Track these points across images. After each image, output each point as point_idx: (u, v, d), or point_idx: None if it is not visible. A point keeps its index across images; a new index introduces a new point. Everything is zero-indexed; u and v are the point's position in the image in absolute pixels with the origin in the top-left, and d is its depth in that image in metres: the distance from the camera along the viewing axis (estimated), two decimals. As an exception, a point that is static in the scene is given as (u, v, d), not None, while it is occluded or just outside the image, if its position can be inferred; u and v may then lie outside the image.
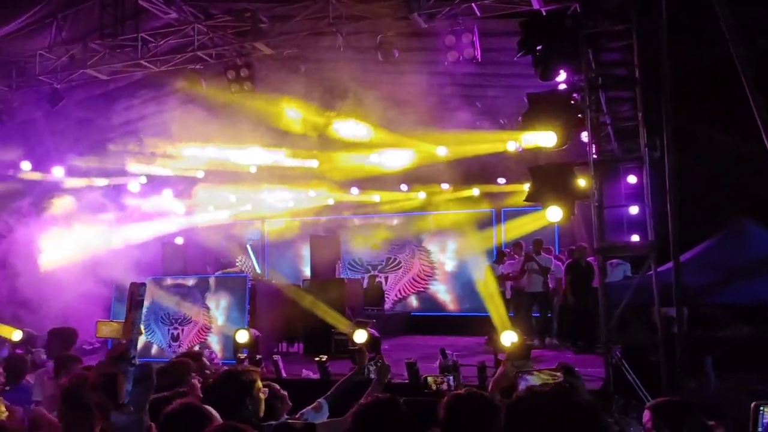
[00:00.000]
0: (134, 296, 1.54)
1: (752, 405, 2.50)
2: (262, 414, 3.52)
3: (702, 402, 6.71)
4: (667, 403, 3.21)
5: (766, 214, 8.46)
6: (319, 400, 4.29)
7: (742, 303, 8.13)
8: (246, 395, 3.41)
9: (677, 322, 6.62)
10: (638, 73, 6.89)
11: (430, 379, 6.08)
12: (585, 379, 7.33)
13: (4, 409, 3.73)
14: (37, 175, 12.71)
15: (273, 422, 3.47)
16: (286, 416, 3.90)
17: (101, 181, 13.73)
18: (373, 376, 4.52)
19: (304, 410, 4.13)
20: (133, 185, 14.28)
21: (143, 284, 1.54)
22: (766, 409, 2.65)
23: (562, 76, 7.34)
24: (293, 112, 11.62)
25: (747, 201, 9.15)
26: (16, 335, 8.50)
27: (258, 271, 13.49)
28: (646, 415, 3.15)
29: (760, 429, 2.62)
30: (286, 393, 4.05)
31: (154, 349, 10.62)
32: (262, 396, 3.54)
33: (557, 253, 12.69)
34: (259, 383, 3.53)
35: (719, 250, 8.54)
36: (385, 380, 4.45)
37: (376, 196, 15.06)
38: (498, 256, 11.92)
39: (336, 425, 3.88)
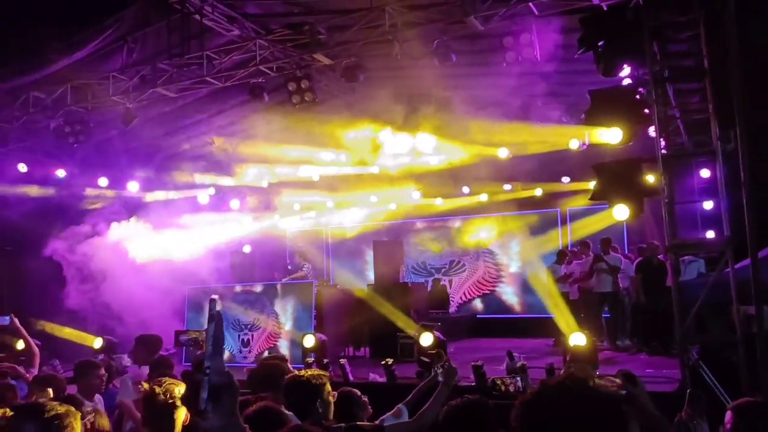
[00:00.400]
0: (209, 311, 1.64)
1: None
2: (331, 416, 3.59)
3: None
4: (748, 405, 3.11)
5: None
6: (399, 405, 4.30)
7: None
8: (316, 398, 3.49)
9: (757, 320, 6.33)
10: (707, 63, 6.64)
11: (498, 381, 6.03)
12: (660, 380, 7.16)
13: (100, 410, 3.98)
14: (112, 192, 13.41)
15: (343, 424, 3.53)
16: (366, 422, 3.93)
17: (173, 194, 14.30)
18: (440, 378, 4.52)
19: (384, 416, 4.13)
20: (203, 197, 14.79)
21: (213, 299, 1.64)
22: None
23: (626, 71, 7.15)
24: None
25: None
26: (97, 343, 8.98)
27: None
28: (728, 415, 3.06)
29: None
30: (366, 399, 4.09)
31: (226, 355, 10.92)
32: (331, 399, 3.61)
33: (626, 251, 12.33)
34: (329, 387, 3.60)
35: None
36: (452, 383, 4.44)
37: (438, 200, 15.03)
38: (558, 256, 11.72)
39: (404, 427, 3.93)
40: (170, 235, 13.22)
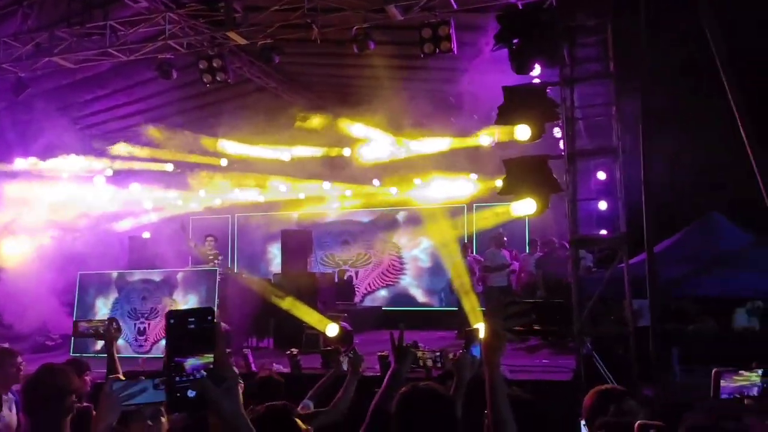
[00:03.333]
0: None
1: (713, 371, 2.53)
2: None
3: (671, 394, 6.88)
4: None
5: (742, 211, 8.63)
6: (303, 401, 4.31)
7: (709, 296, 8.30)
8: None
9: (651, 314, 6.72)
10: (612, 67, 6.98)
11: (418, 353, 6.04)
12: (556, 370, 7.47)
13: None
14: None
15: None
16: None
17: (66, 173, 13.39)
18: (344, 368, 4.52)
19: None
20: (99, 178, 13.97)
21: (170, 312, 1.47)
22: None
23: (537, 70, 7.39)
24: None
25: (721, 199, 9.34)
26: None
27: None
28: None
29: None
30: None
31: (121, 343, 10.39)
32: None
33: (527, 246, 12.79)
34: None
35: (689, 243, 8.71)
36: (359, 371, 4.44)
37: (347, 191, 14.98)
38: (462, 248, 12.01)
39: (328, 414, 3.99)
40: (62, 216, 12.39)
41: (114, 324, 3.86)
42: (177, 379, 1.38)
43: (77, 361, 4.71)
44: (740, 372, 2.37)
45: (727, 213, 8.93)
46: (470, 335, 3.43)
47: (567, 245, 10.16)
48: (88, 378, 4.49)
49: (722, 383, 2.35)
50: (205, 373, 1.38)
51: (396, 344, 3.08)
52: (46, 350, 11.09)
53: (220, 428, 1.40)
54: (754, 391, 2.34)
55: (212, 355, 1.39)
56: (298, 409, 4.17)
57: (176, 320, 1.42)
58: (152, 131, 12.55)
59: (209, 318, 1.42)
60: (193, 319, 1.41)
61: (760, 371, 2.41)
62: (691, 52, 7.10)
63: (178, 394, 1.38)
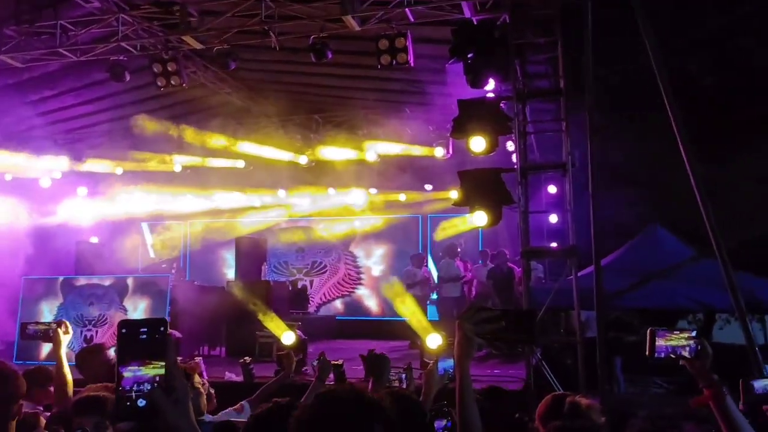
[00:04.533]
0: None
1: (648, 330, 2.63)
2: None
3: (616, 402, 7.07)
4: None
5: (683, 225, 8.94)
6: (242, 402, 4.26)
7: (651, 307, 8.56)
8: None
9: (598, 324, 6.90)
10: (563, 84, 7.18)
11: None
12: (507, 380, 7.60)
13: None
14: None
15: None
16: (208, 415, 3.86)
17: (8, 175, 12.95)
18: (308, 371, 4.51)
19: (226, 410, 4.12)
20: (45, 180, 13.55)
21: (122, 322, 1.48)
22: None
23: (491, 84, 7.55)
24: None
25: (665, 213, 9.68)
26: None
27: None
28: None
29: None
30: (213, 391, 4.02)
31: (65, 351, 10.08)
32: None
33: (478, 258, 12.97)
34: (198, 378, 3.55)
35: (633, 255, 8.95)
36: (326, 377, 4.44)
37: (303, 199, 14.91)
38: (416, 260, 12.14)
39: None
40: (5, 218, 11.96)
41: (63, 327, 3.72)
42: (127, 388, 1.39)
43: (42, 370, 4.50)
44: (674, 332, 2.48)
45: (670, 226, 9.25)
46: (444, 352, 3.52)
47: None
48: (51, 388, 4.27)
49: (657, 342, 2.45)
50: (155, 384, 1.39)
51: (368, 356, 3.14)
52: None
53: None
54: (687, 351, 2.46)
55: (163, 366, 1.40)
56: (232, 408, 4.15)
57: (128, 329, 1.44)
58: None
59: (161, 329, 1.43)
60: (145, 329, 1.43)
61: (693, 332, 2.53)
62: (634, 70, 7.37)
63: (128, 403, 1.39)
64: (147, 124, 11.54)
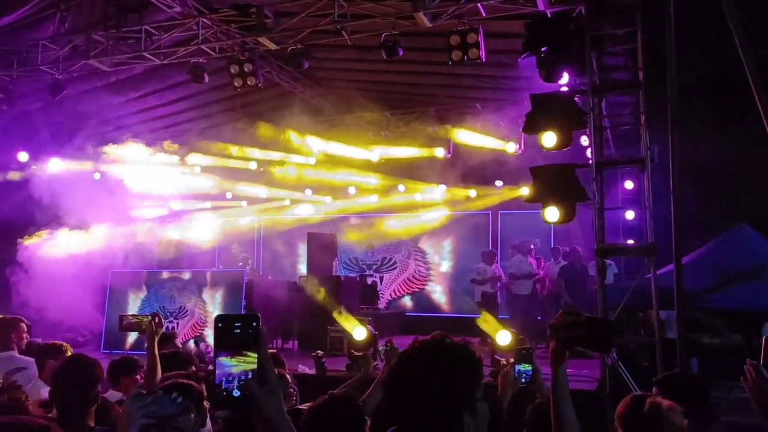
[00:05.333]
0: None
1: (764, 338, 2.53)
2: None
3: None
4: None
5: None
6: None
7: (735, 309, 8.18)
8: None
9: (678, 325, 6.65)
10: (642, 75, 6.95)
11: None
12: (581, 380, 7.43)
13: None
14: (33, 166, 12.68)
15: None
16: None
17: (97, 175, 13.65)
18: (380, 359, 4.57)
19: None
20: (129, 179, 14.19)
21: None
22: None
23: (566, 78, 7.38)
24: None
25: (750, 211, 9.22)
26: None
27: None
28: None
29: None
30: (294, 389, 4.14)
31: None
32: None
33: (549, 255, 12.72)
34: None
35: (716, 254, 8.59)
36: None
37: (373, 197, 15.04)
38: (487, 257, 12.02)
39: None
40: (92, 216, 12.63)
41: (156, 319, 3.93)
42: (223, 379, 1.48)
43: (128, 359, 4.78)
44: None
45: (756, 225, 8.80)
46: (520, 354, 3.53)
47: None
48: (138, 377, 4.52)
49: None
50: (250, 375, 1.47)
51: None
52: (78, 346, 11.30)
53: (262, 428, 1.49)
54: None
55: (256, 358, 1.49)
56: None
57: (223, 324, 1.52)
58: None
59: (254, 324, 1.51)
60: (239, 324, 1.51)
61: None
62: (719, 62, 7.03)
63: (224, 393, 1.48)
64: (224, 123, 11.97)
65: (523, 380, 3.43)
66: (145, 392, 2.17)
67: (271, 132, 12.32)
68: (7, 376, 4.20)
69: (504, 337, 7.81)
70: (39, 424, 2.14)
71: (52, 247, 11.78)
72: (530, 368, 3.47)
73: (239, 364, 1.48)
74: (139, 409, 2.08)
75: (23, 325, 5.00)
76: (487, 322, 9.89)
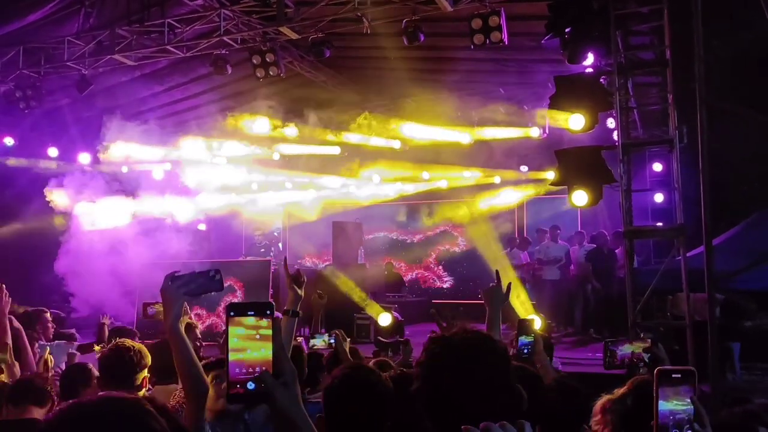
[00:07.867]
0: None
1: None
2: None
3: (731, 390, 6.67)
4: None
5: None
6: None
7: (766, 289, 7.99)
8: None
9: (709, 309, 6.53)
10: (669, 54, 6.80)
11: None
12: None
13: None
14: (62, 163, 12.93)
15: None
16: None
17: (125, 168, 13.83)
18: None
19: None
20: (158, 172, 14.38)
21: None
22: None
23: (590, 59, 7.26)
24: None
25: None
26: None
27: None
28: None
29: None
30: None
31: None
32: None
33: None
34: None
35: (747, 235, 8.41)
36: (409, 359, 4.51)
37: (398, 184, 14.99)
38: (516, 242, 11.91)
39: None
40: (122, 210, 12.84)
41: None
42: (236, 371, 1.39)
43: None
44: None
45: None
46: (522, 326, 3.53)
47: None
48: None
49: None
50: (263, 366, 1.39)
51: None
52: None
53: (278, 420, 1.43)
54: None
55: (271, 349, 1.40)
56: None
57: (236, 312, 1.43)
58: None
59: (268, 312, 1.41)
60: (252, 312, 1.41)
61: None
62: (749, 39, 6.84)
63: (238, 385, 1.39)
64: (247, 114, 12.03)
65: (525, 351, 3.45)
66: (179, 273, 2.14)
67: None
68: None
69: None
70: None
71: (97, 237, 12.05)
72: (531, 339, 3.50)
73: (252, 355, 1.40)
74: (179, 288, 2.08)
75: (47, 315, 5.14)
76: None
